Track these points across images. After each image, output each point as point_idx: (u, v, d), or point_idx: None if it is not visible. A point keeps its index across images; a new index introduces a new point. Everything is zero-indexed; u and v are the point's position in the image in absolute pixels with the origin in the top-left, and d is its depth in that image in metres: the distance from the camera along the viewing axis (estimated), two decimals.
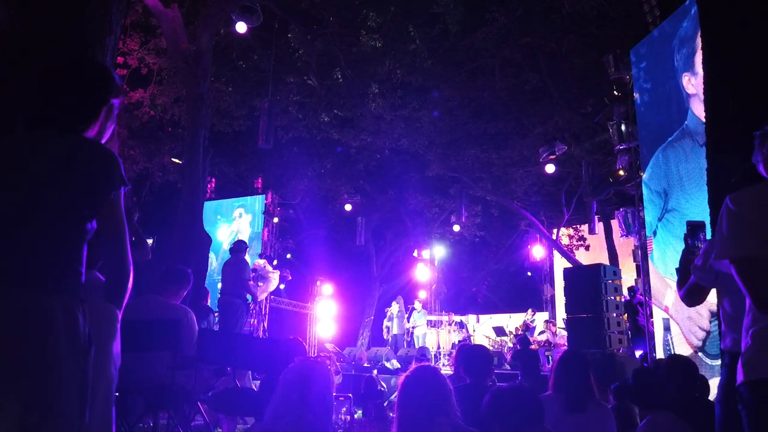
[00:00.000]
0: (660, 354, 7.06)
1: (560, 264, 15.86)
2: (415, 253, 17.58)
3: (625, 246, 12.66)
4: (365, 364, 10.13)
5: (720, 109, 3.59)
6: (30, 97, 1.64)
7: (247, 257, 8.28)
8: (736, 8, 3.60)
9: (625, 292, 9.16)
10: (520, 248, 18.60)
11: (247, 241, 9.39)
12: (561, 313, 13.23)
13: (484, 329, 14.42)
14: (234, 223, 14.31)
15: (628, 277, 11.67)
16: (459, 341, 12.43)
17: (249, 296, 8.22)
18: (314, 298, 14.78)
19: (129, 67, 10.46)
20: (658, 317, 7.29)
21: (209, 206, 12.83)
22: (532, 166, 13.28)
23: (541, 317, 14.16)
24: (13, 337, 1.39)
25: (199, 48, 8.41)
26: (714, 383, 2.55)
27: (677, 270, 2.42)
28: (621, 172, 10.26)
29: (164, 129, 12.26)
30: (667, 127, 6.98)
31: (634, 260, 10.80)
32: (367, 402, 7.06)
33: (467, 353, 3.67)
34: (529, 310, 13.57)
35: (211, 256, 11.45)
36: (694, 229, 2.30)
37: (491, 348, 11.35)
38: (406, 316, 13.66)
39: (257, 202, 14.46)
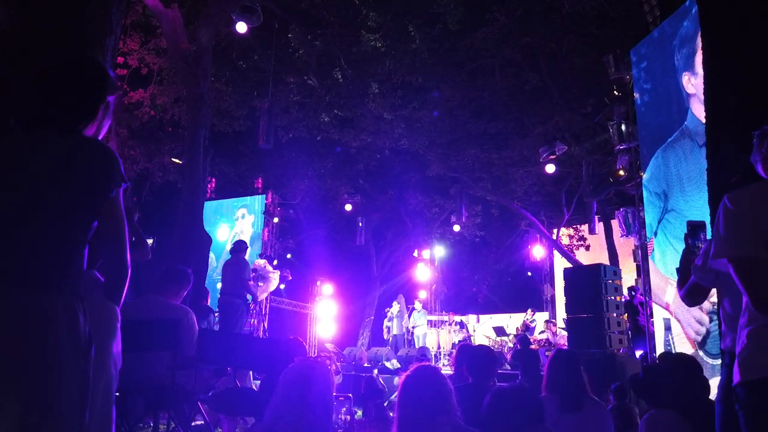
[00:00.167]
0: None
1: (560, 264, 15.86)
2: (416, 253, 17.59)
3: (625, 246, 12.66)
4: (365, 364, 10.13)
5: (720, 109, 3.59)
6: (28, 97, 1.63)
7: (247, 257, 8.28)
8: (737, 8, 3.59)
9: (625, 292, 9.16)
10: (521, 248, 18.61)
11: (248, 242, 9.40)
12: (561, 313, 13.23)
13: (484, 329, 14.42)
14: (237, 224, 14.31)
15: (629, 277, 11.67)
16: (459, 341, 12.43)
17: (249, 296, 8.22)
18: (314, 298, 14.79)
19: (129, 67, 10.47)
20: (658, 317, 7.29)
21: (209, 206, 12.83)
22: (533, 166, 13.28)
23: (541, 317, 14.16)
24: (14, 337, 1.39)
25: (199, 48, 8.41)
26: (714, 383, 2.55)
27: (677, 270, 2.42)
28: (621, 172, 10.27)
29: (164, 129, 12.26)
30: (667, 128, 6.98)
31: (635, 260, 10.79)
32: (367, 402, 7.06)
33: (472, 353, 3.66)
34: (529, 310, 13.57)
35: (211, 256, 11.45)
36: (694, 229, 2.30)
37: (492, 348, 11.33)
38: (406, 315, 13.66)
39: (256, 201, 14.47)
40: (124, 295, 1.74)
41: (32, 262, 1.46)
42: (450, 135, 12.90)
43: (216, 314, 7.88)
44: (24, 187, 1.50)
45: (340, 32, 10.32)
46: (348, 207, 15.92)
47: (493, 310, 17.75)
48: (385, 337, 13.94)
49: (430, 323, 14.03)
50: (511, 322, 14.27)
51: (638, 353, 8.70)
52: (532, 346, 10.33)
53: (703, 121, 3.89)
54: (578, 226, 15.94)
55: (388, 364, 9.77)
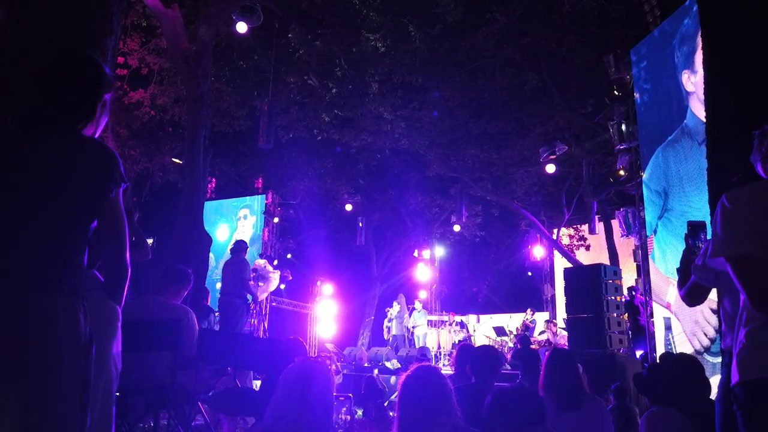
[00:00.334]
0: (661, 353, 7.06)
1: (561, 264, 15.86)
2: (416, 253, 17.58)
3: (625, 246, 12.66)
4: (366, 364, 10.13)
5: (720, 108, 3.59)
6: (26, 97, 1.63)
7: (247, 257, 8.28)
8: (737, 8, 3.59)
9: (625, 292, 9.16)
10: (521, 248, 18.60)
11: (248, 242, 9.40)
12: (561, 313, 13.23)
13: (484, 329, 14.42)
14: (239, 224, 14.31)
15: (629, 277, 11.67)
16: (459, 341, 12.43)
17: (249, 296, 8.22)
18: (314, 298, 14.79)
19: (129, 67, 10.47)
20: (659, 317, 7.28)
21: (209, 206, 12.83)
22: (533, 166, 13.28)
23: (541, 317, 14.16)
24: (14, 337, 1.39)
25: (200, 48, 8.41)
26: (715, 381, 2.55)
27: (678, 270, 2.42)
28: (621, 172, 10.27)
29: (164, 129, 12.27)
30: (667, 127, 6.98)
31: (635, 260, 10.79)
32: (367, 402, 7.06)
33: (475, 353, 3.66)
34: (528, 310, 13.57)
35: (210, 256, 11.46)
36: (694, 229, 2.30)
37: (495, 348, 11.34)
38: (407, 315, 13.66)
39: (256, 201, 14.47)
40: (125, 294, 1.75)
41: (32, 261, 1.46)
42: (450, 135, 12.90)
43: (216, 314, 7.88)
44: (24, 187, 1.50)
45: (340, 32, 10.32)
46: (348, 207, 15.92)
47: (494, 310, 17.74)
48: (386, 337, 13.94)
49: (430, 323, 14.03)
50: (511, 322, 14.26)
51: (638, 353, 8.70)
52: (532, 346, 10.33)
53: (703, 119, 3.89)
54: (578, 226, 15.94)
55: (388, 364, 9.77)
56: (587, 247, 15.56)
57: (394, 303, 13.98)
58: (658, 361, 6.38)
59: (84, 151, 1.58)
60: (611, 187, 11.73)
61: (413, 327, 13.48)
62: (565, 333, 10.52)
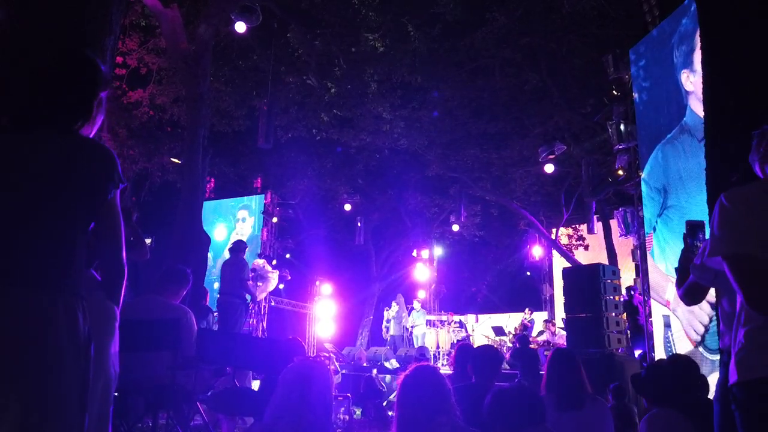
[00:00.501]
0: (660, 352, 7.07)
1: (559, 264, 15.87)
2: (415, 253, 17.59)
3: (624, 245, 12.67)
4: (364, 364, 10.13)
5: (719, 108, 3.59)
6: (23, 97, 1.62)
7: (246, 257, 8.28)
8: (736, 7, 3.60)
9: (623, 291, 9.17)
10: (520, 248, 18.61)
11: (247, 242, 9.39)
12: (560, 313, 13.23)
13: (483, 329, 14.42)
14: (237, 225, 14.30)
15: (627, 276, 11.68)
16: (458, 341, 12.44)
17: (248, 296, 8.22)
18: (313, 297, 14.78)
19: (128, 66, 10.47)
20: (657, 316, 7.29)
21: (208, 206, 12.82)
22: (532, 166, 13.28)
23: (539, 317, 14.17)
24: (14, 337, 1.39)
25: (199, 48, 8.41)
26: (714, 378, 2.56)
27: (676, 269, 2.42)
28: (620, 172, 10.28)
29: (163, 129, 12.26)
30: (666, 125, 6.99)
31: (633, 260, 10.80)
32: (366, 402, 7.06)
33: (476, 352, 3.66)
34: (527, 310, 13.59)
35: (209, 255, 11.46)
36: (693, 228, 2.30)
37: (496, 348, 11.35)
38: (405, 314, 13.66)
39: (254, 201, 14.46)
40: (122, 295, 1.75)
41: (32, 262, 1.46)
42: (450, 135, 12.91)
43: (215, 314, 7.88)
44: (24, 187, 1.50)
45: (339, 32, 10.32)
46: (347, 207, 15.92)
47: (492, 310, 17.76)
48: (385, 336, 13.95)
49: (429, 323, 14.02)
50: (510, 321, 14.27)
51: (637, 353, 8.71)
52: (531, 346, 10.34)
53: (702, 118, 3.89)
54: (577, 225, 15.95)
55: (387, 364, 9.77)
56: (586, 247, 15.57)
57: (393, 303, 13.98)
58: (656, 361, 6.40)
59: (83, 151, 1.58)
60: (610, 186, 11.74)
61: (412, 327, 13.48)
62: (563, 332, 10.53)
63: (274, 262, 12.09)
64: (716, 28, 3.72)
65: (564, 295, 7.78)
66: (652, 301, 7.65)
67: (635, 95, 8.05)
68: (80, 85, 1.66)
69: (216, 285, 10.60)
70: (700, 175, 3.62)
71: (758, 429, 1.56)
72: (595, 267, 7.49)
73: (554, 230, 15.61)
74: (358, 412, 7.30)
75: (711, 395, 3.06)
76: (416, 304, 13.95)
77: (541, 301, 17.40)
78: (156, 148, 12.45)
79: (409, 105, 12.16)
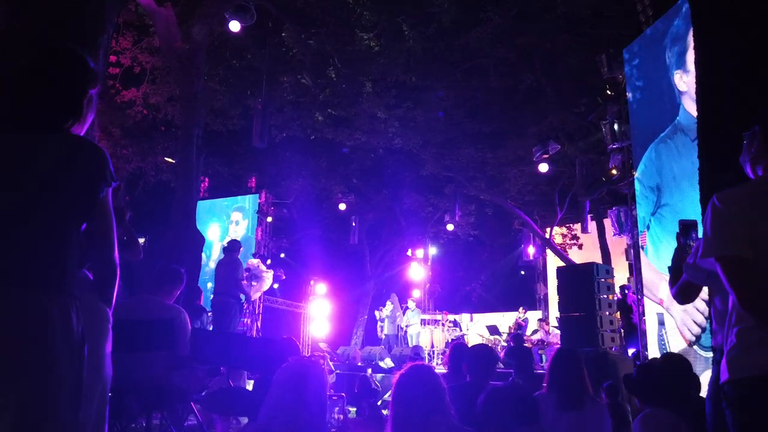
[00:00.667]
0: (654, 350, 7.10)
1: (553, 263, 15.91)
2: (409, 252, 17.60)
3: (617, 245, 12.71)
4: (359, 363, 10.13)
5: (712, 109, 3.61)
6: (13, 97, 1.60)
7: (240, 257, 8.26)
8: (729, 8, 3.62)
9: (617, 290, 9.20)
10: (514, 247, 18.65)
11: (241, 241, 9.38)
12: (554, 312, 13.27)
13: (477, 328, 14.45)
14: (231, 227, 14.26)
15: (621, 275, 11.72)
16: (452, 340, 12.45)
17: (242, 296, 8.20)
18: (308, 297, 14.77)
19: (122, 65, 10.42)
20: (651, 314, 7.33)
21: (202, 205, 12.78)
22: (526, 166, 13.32)
23: (533, 316, 14.20)
24: (14, 337, 1.39)
25: (193, 46, 8.38)
26: (707, 375, 2.57)
27: (670, 269, 2.43)
28: (614, 171, 10.32)
29: (157, 128, 12.21)
30: (659, 124, 7.03)
31: (627, 259, 10.84)
32: (361, 401, 7.06)
33: (472, 352, 3.67)
34: (521, 309, 13.62)
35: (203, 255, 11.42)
36: (686, 228, 2.32)
37: (491, 348, 11.36)
38: (399, 313, 13.66)
39: (247, 201, 14.42)
40: (114, 295, 1.74)
41: (29, 262, 1.46)
42: (444, 134, 12.92)
43: (209, 314, 7.86)
44: (25, 187, 1.50)
45: (334, 31, 10.31)
46: (342, 206, 15.90)
47: (487, 309, 17.79)
48: (379, 335, 13.95)
49: (424, 322, 14.04)
50: (504, 320, 14.30)
51: (631, 351, 8.74)
52: (525, 345, 10.36)
53: (696, 117, 3.91)
54: (571, 225, 16.00)
55: (381, 364, 9.78)
56: (580, 246, 15.62)
57: (387, 302, 13.99)
58: (639, 363, 6.44)
59: (76, 150, 1.58)
60: (604, 186, 11.78)
61: (407, 326, 13.49)
62: (557, 331, 10.56)
63: (269, 261, 12.09)
64: (709, 28, 3.74)
65: (558, 294, 7.81)
66: (645, 299, 7.68)
67: (629, 95, 8.09)
68: (69, 83, 1.64)
69: (209, 285, 10.57)
70: (694, 174, 3.64)
71: (749, 427, 1.57)
72: (589, 266, 7.52)
73: (548, 229, 15.66)
74: (353, 411, 7.30)
75: (703, 393, 3.08)
76: (411, 304, 13.96)
77: (535, 300, 17.45)
78: (150, 147, 12.40)
79: (403, 104, 12.16)
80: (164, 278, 3.80)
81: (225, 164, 14.71)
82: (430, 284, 17.54)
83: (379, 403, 7.34)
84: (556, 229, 15.93)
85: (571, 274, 7.88)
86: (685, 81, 6.44)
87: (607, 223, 12.42)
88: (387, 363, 9.79)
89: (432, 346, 13.08)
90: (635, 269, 8.80)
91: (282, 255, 16.33)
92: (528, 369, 6.56)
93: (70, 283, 1.51)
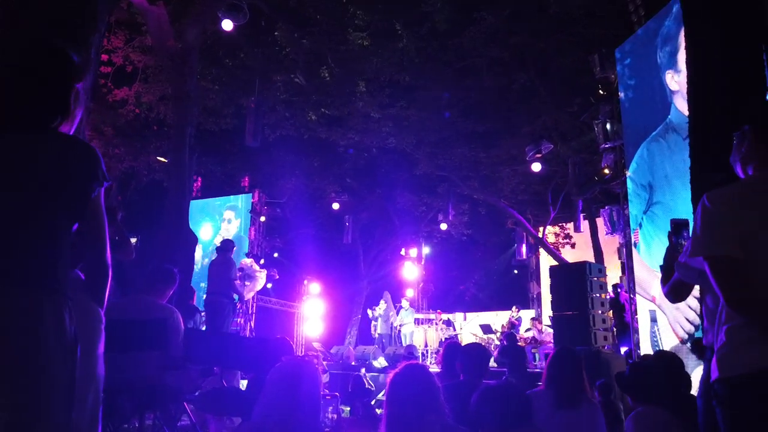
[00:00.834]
0: (646, 347, 7.14)
1: (546, 262, 15.96)
2: (403, 252, 17.61)
3: (610, 244, 12.77)
4: (353, 363, 10.13)
5: (703, 108, 3.64)
6: (3, 96, 1.58)
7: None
8: (720, 9, 3.65)
9: (609, 289, 9.25)
10: (507, 246, 18.71)
11: (234, 240, 9.35)
12: (547, 311, 13.32)
13: (471, 327, 14.48)
14: (223, 225, 14.22)
15: (613, 274, 11.79)
16: (446, 339, 12.47)
17: (236, 295, 8.18)
18: (302, 296, 14.75)
19: (114, 64, 10.36)
20: (644, 310, 7.37)
21: (195, 205, 12.73)
22: (519, 165, 13.35)
23: (526, 314, 14.25)
24: (6, 338, 1.38)
25: (186, 45, 8.34)
26: (699, 372, 2.59)
27: (661, 267, 2.45)
28: (606, 171, 10.37)
29: (150, 127, 12.15)
30: (651, 123, 7.08)
31: (619, 258, 10.91)
32: (354, 400, 7.06)
33: (465, 350, 3.68)
34: (514, 308, 13.66)
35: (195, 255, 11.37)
36: (678, 227, 2.33)
37: (484, 346, 11.39)
38: (393, 312, 13.66)
39: (240, 200, 14.39)
40: (106, 296, 1.73)
41: (25, 262, 1.46)
42: (438, 134, 12.93)
43: (202, 314, 7.84)
44: (24, 188, 1.49)
45: (327, 30, 10.29)
46: (335, 206, 15.89)
47: (480, 308, 17.82)
48: (373, 334, 13.95)
49: (417, 321, 14.05)
50: (498, 319, 14.34)
51: (623, 350, 8.79)
52: (519, 344, 10.39)
53: (687, 116, 3.94)
54: (564, 224, 16.06)
55: (375, 363, 9.78)
56: (573, 245, 15.68)
57: (381, 301, 13.99)
58: (631, 361, 6.47)
59: (71, 150, 1.57)
60: (596, 185, 11.84)
61: (400, 325, 13.50)
62: (550, 330, 10.60)
63: (262, 261, 12.04)
64: (700, 28, 3.76)
65: (551, 293, 7.84)
66: (638, 296, 7.73)
67: (621, 94, 8.13)
68: (53, 80, 1.60)
69: (202, 284, 10.54)
70: (685, 172, 3.67)
71: (739, 425, 1.59)
72: (582, 265, 7.55)
73: (541, 229, 15.71)
74: (347, 410, 7.30)
75: (695, 391, 3.10)
76: (405, 303, 13.96)
77: (528, 299, 17.50)
78: (142, 146, 12.34)
79: (397, 104, 12.16)
80: (157, 278, 3.78)
81: (218, 163, 14.66)
82: (424, 283, 17.57)
83: (372, 402, 7.35)
84: (549, 228, 15.98)
85: (563, 273, 7.91)
86: (677, 80, 6.49)
87: (600, 222, 12.48)
88: (381, 362, 9.79)
89: (426, 345, 13.10)
90: (627, 268, 8.85)
91: (275, 254, 16.29)
92: (521, 367, 6.58)
93: (63, 283, 1.51)
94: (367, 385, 7.94)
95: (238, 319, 11.19)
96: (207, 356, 3.83)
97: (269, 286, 12.27)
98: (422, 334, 13.64)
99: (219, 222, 14.38)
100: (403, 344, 12.48)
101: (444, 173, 14.23)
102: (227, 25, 8.76)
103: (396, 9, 9.95)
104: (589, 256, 13.04)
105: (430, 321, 14.17)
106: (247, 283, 9.02)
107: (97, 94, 9.97)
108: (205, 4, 8.43)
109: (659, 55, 6.87)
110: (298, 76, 11.12)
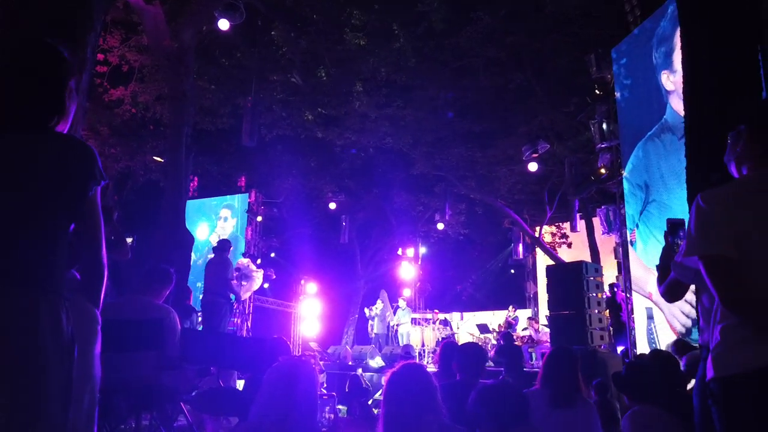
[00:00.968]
0: (643, 346, 7.16)
1: (543, 261, 16.00)
2: (400, 251, 17.61)
3: (606, 243, 12.81)
4: (350, 363, 10.13)
5: (699, 109, 3.65)
6: (7, 97, 1.58)
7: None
8: (716, 10, 3.66)
9: (606, 288, 9.28)
10: (504, 246, 18.74)
11: (230, 240, 9.34)
12: (544, 310, 13.34)
13: (468, 326, 14.49)
14: (219, 224, 14.19)
15: (610, 273, 11.81)
16: (443, 338, 12.48)
17: (232, 295, 8.17)
18: (299, 296, 14.73)
19: (110, 64, 10.33)
20: (640, 308, 7.39)
21: (191, 205, 12.71)
22: (516, 165, 13.37)
23: (523, 314, 14.27)
24: (3, 338, 1.38)
25: (182, 45, 8.32)
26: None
27: (657, 267, 2.46)
28: (602, 171, 10.40)
29: (146, 127, 12.13)
30: (647, 123, 7.10)
31: (616, 257, 10.93)
32: (351, 400, 7.06)
33: (462, 350, 3.68)
34: (510, 307, 13.68)
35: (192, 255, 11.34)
36: (674, 226, 2.34)
37: (481, 346, 11.40)
38: (390, 312, 13.66)
39: (236, 200, 14.36)
40: (102, 296, 1.73)
41: (23, 262, 1.45)
42: (435, 133, 12.94)
43: (198, 313, 7.83)
44: (24, 188, 1.49)
45: (324, 30, 10.29)
46: (332, 205, 15.88)
47: (477, 308, 17.85)
48: (370, 334, 13.95)
49: (414, 321, 14.05)
50: (495, 319, 14.36)
51: (620, 349, 8.82)
52: (515, 343, 10.40)
53: (683, 116, 3.96)
54: (560, 223, 16.09)
55: (372, 363, 9.78)
56: (569, 245, 15.71)
57: (377, 301, 13.98)
58: (627, 360, 6.49)
59: (69, 149, 1.57)
60: (593, 185, 11.88)
61: (397, 325, 13.50)
62: (547, 330, 10.62)
63: (259, 261, 12.05)
64: (696, 29, 3.78)
65: (547, 292, 7.84)
66: (634, 294, 7.75)
67: (617, 94, 8.16)
68: (51, 79, 1.60)
69: (199, 284, 10.53)
70: (681, 171, 3.68)
71: (734, 424, 1.60)
72: (578, 264, 7.56)
73: (538, 228, 15.74)
74: (344, 410, 7.30)
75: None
76: (401, 303, 13.96)
77: (525, 299, 17.53)
78: (139, 146, 12.31)
79: (394, 103, 12.16)
80: (153, 278, 3.77)
81: (214, 163, 14.64)
82: (421, 283, 17.57)
83: (369, 402, 7.34)
84: (546, 228, 16.01)
85: (560, 272, 7.92)
86: (672, 81, 6.51)
87: (596, 221, 12.52)
88: (378, 362, 9.79)
89: (422, 345, 13.10)
90: (624, 267, 8.87)
91: (272, 254, 16.28)
92: (518, 367, 6.60)
93: (59, 283, 1.51)
94: (364, 385, 7.93)
95: (235, 319, 11.18)
96: (204, 356, 3.83)
97: (266, 285, 12.24)
98: (419, 333, 13.63)
99: (215, 222, 14.36)
100: (400, 344, 12.48)
101: (441, 173, 14.24)
102: (224, 24, 8.74)
103: (392, 9, 9.96)
104: (586, 256, 13.07)
105: (427, 321, 14.17)
106: (243, 283, 9.01)
107: (94, 93, 9.94)
108: (202, 4, 8.41)
109: (655, 55, 6.90)
110: (295, 76, 11.11)
